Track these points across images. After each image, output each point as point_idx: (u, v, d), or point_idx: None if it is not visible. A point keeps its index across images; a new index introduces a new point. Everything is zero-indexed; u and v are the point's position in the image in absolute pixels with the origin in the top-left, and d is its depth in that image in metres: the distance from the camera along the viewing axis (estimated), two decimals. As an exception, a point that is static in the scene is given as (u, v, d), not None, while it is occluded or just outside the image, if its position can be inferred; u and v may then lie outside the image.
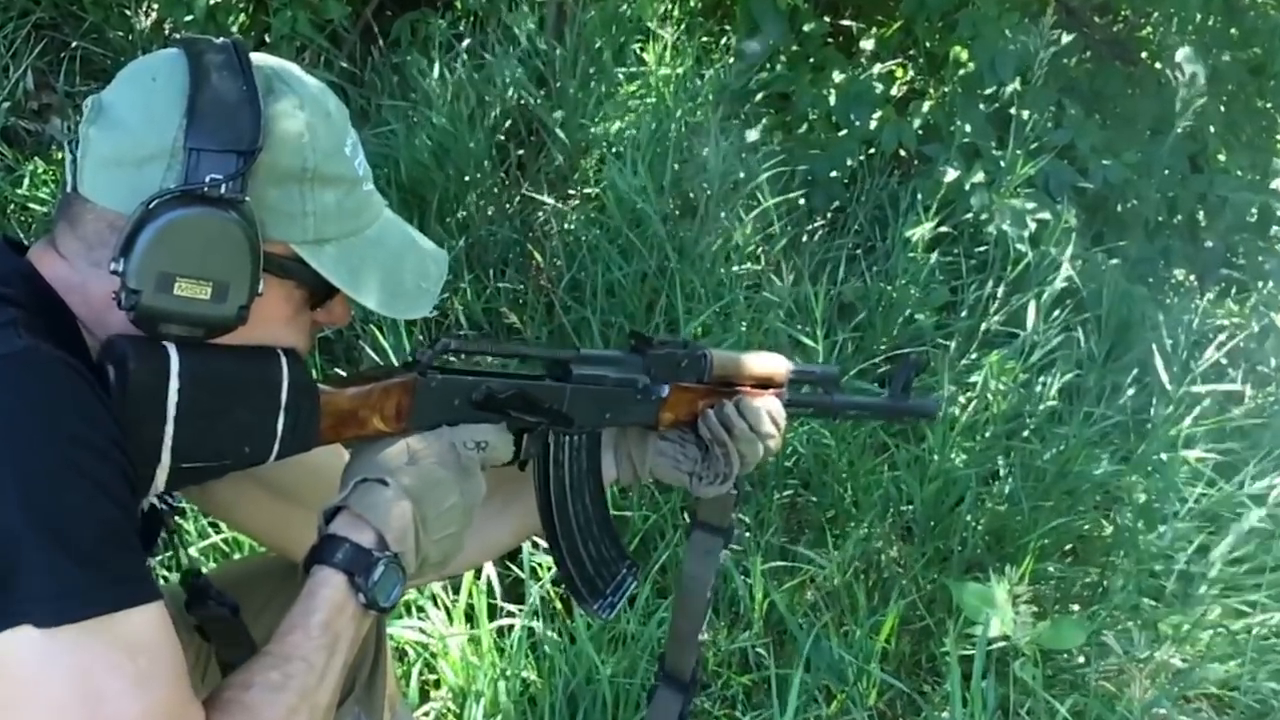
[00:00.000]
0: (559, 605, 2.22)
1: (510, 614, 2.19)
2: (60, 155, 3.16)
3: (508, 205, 3.18)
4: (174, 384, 0.98)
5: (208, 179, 0.97)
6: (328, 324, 1.18)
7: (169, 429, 0.99)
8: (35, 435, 0.88)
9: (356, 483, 1.12)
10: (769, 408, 1.46)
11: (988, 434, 2.66)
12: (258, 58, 1.06)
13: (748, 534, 2.39)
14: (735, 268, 2.88)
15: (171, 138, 0.98)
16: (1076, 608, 2.47)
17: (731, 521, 1.53)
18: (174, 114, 0.99)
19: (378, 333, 2.58)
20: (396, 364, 2.42)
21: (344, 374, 2.38)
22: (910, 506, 2.55)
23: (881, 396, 1.69)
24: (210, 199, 0.97)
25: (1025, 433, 2.72)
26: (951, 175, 3.15)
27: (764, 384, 1.49)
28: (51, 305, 1.00)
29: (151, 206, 0.96)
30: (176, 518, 1.19)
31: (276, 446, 1.07)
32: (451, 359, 1.23)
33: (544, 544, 2.08)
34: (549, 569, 2.18)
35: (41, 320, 0.96)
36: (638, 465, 1.46)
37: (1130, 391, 2.85)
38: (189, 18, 3.32)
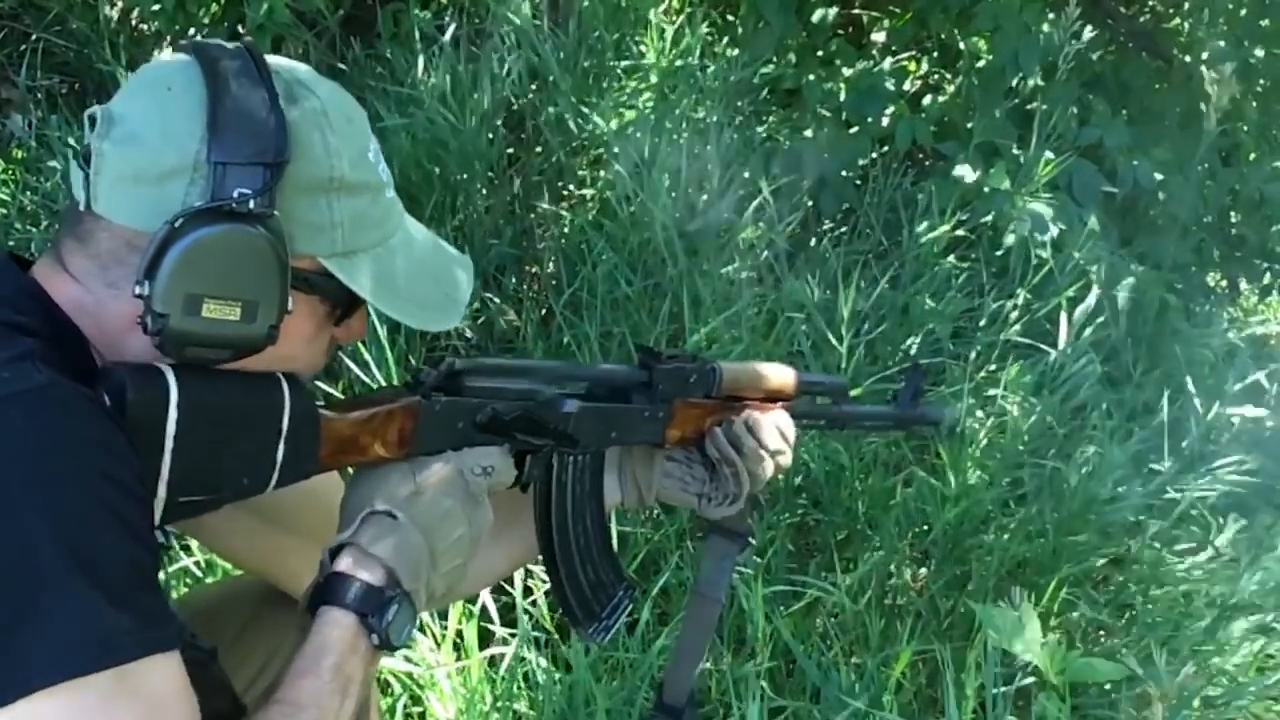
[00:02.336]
0: (553, 631, 2.22)
1: (502, 640, 2.19)
2: (21, 154, 3.17)
3: (506, 199, 3.18)
4: (173, 414, 0.98)
5: (235, 194, 0.97)
6: (346, 340, 1.18)
7: (167, 460, 0.98)
8: (64, 473, 0.88)
9: (364, 516, 1.12)
10: (778, 422, 1.47)
11: (1014, 450, 2.66)
12: (272, 62, 1.06)
13: (755, 557, 2.38)
14: (743, 271, 2.88)
15: (193, 151, 0.98)
16: (1104, 635, 2.48)
17: (749, 527, 1.55)
18: (194, 126, 0.99)
19: (360, 345, 2.58)
20: (384, 382, 2.45)
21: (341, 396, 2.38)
22: (927, 528, 2.55)
23: (890, 406, 1.72)
24: (238, 215, 0.97)
25: (1050, 451, 2.73)
26: (970, 176, 3.15)
27: (773, 397, 1.51)
28: (65, 331, 1.00)
29: (177, 225, 0.96)
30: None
31: (275, 476, 1.07)
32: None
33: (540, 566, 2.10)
34: (545, 586, 2.19)
35: (56, 349, 0.96)
36: (643, 488, 1.47)
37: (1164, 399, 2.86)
38: (157, 7, 3.33)
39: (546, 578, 1.43)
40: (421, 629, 2.17)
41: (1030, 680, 2.15)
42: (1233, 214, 3.74)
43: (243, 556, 1.45)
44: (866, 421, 1.72)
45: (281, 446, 1.06)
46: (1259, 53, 3.64)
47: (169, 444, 0.98)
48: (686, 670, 1.58)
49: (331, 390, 2.53)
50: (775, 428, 1.46)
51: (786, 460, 1.48)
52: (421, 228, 1.19)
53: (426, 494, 1.15)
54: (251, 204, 0.97)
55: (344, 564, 1.09)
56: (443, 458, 1.19)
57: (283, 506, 1.23)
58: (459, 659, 2.14)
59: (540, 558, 1.41)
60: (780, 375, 1.51)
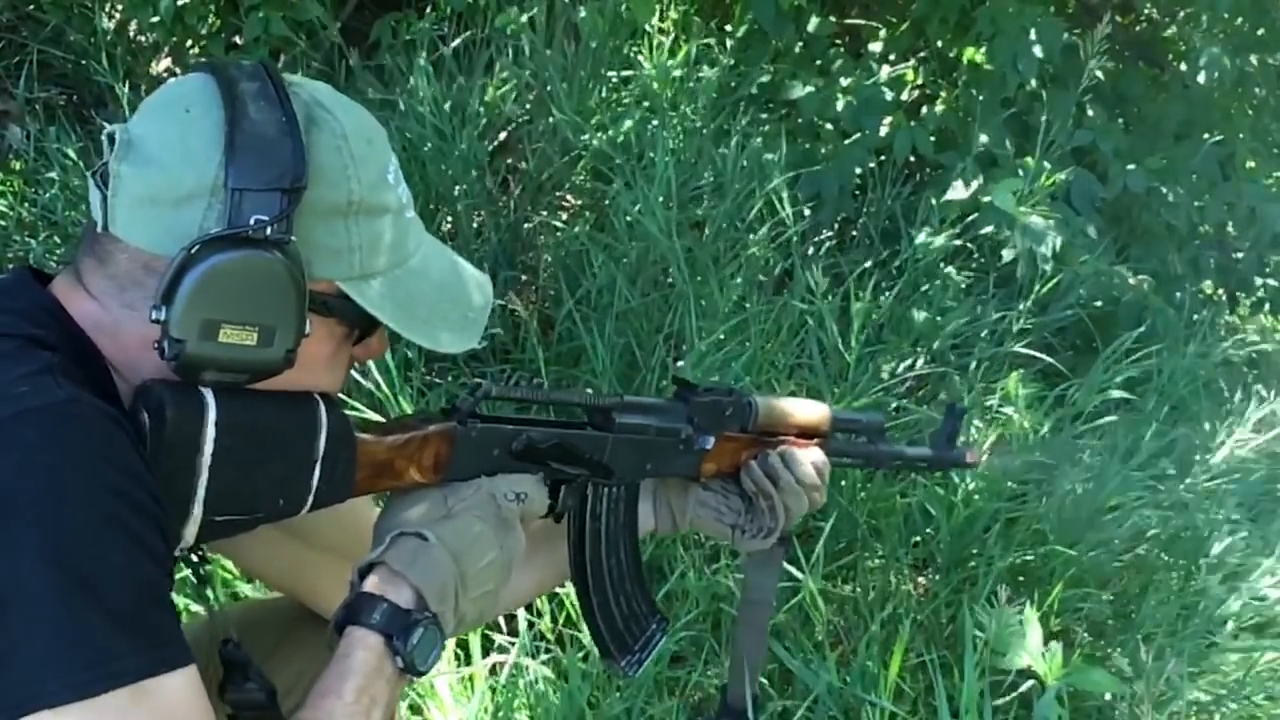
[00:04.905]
0: (553, 641, 2.23)
1: (501, 649, 2.20)
2: (19, 165, 3.18)
3: (502, 209, 3.19)
4: (210, 433, 0.99)
5: (252, 220, 0.97)
6: (366, 358, 1.19)
7: (202, 480, 0.99)
8: (76, 493, 0.88)
9: (394, 537, 1.13)
10: (814, 459, 1.48)
11: (1017, 460, 2.68)
12: (291, 81, 1.06)
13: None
14: (749, 284, 2.89)
15: (211, 176, 0.98)
16: (1103, 641, 2.49)
17: (789, 531, 1.55)
18: (212, 150, 0.99)
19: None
20: (385, 386, 2.46)
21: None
22: (931, 533, 2.57)
23: (925, 447, 1.71)
24: (255, 241, 0.98)
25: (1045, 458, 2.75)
26: (965, 191, 3.15)
27: (807, 433, 1.52)
28: (82, 347, 1.01)
29: (193, 251, 0.96)
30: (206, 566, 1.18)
31: (311, 499, 1.08)
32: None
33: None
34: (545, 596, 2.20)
35: (75, 364, 0.97)
36: (678, 516, 1.48)
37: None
38: (155, 19, 3.35)
39: (579, 607, 1.43)
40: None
41: (1029, 684, 2.17)
42: (1229, 226, 3.76)
43: (271, 574, 1.45)
44: (900, 461, 1.69)
45: (318, 469, 1.07)
46: (1254, 59, 3.67)
47: (205, 462, 0.99)
48: (748, 674, 1.59)
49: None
50: (811, 464, 1.47)
51: (821, 496, 1.48)
52: (442, 247, 1.20)
53: (458, 518, 1.16)
54: (268, 230, 0.98)
55: (372, 584, 1.10)
56: (475, 483, 1.20)
57: (312, 525, 1.23)
58: (459, 667, 2.15)
59: (573, 587, 1.42)
60: (815, 411, 1.52)
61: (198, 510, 1.00)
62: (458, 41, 3.38)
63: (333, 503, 1.11)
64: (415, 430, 1.17)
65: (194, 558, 1.13)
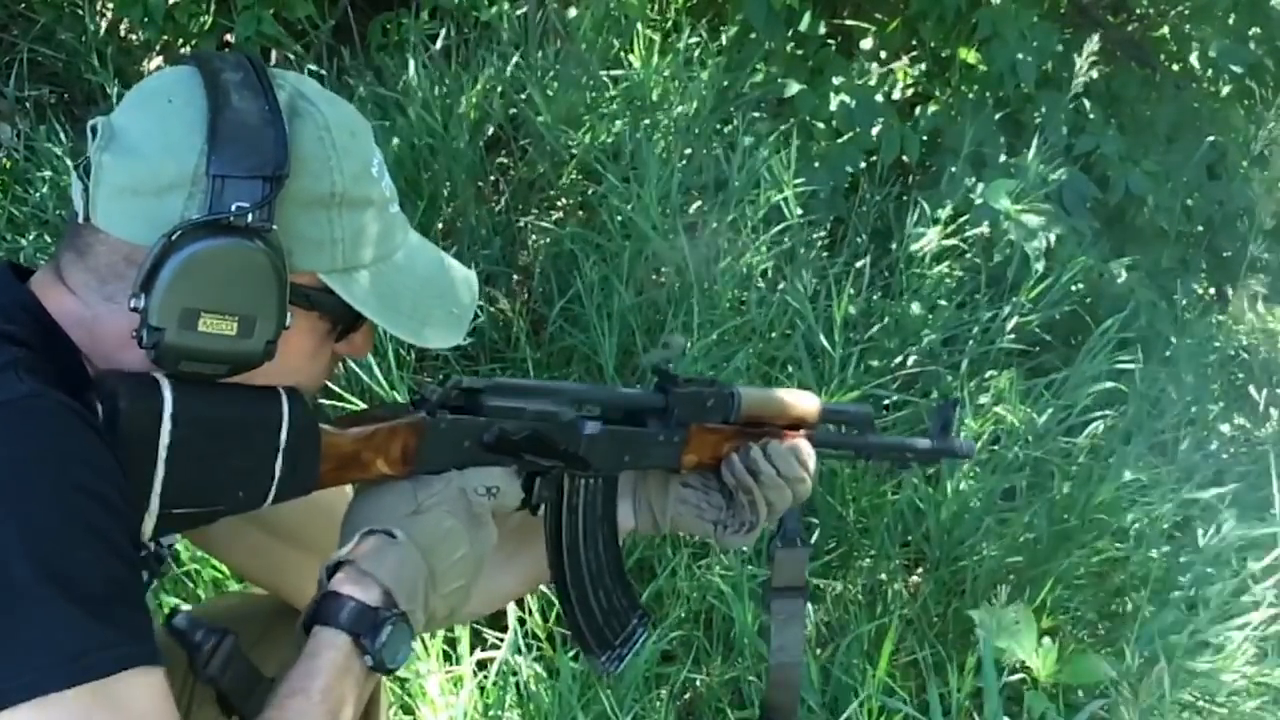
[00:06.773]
0: (543, 639, 2.24)
1: (493, 646, 2.21)
2: (10, 164, 3.18)
3: (494, 208, 3.19)
4: (167, 425, 0.98)
5: (233, 208, 0.97)
6: (349, 355, 1.19)
7: (159, 472, 0.99)
8: (41, 488, 0.88)
9: (361, 534, 1.12)
10: (798, 450, 1.45)
11: (1008, 457, 2.69)
12: (275, 74, 1.06)
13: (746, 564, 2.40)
14: (746, 286, 2.90)
15: (192, 164, 0.99)
16: (1091, 639, 2.51)
17: (806, 579, 1.54)
18: (194, 139, 0.99)
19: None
20: (383, 381, 2.46)
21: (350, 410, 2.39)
22: (923, 529, 2.57)
23: (919, 438, 1.68)
24: (236, 229, 0.98)
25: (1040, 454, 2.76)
26: (956, 194, 3.17)
27: (794, 425, 1.49)
28: (58, 343, 1.00)
29: (174, 238, 0.97)
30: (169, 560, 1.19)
31: (273, 491, 1.07)
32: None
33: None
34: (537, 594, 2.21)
35: (46, 360, 0.96)
36: (658, 514, 1.46)
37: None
38: (146, 19, 3.35)
39: (558, 602, 1.42)
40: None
41: (1018, 678, 2.18)
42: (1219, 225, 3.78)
43: (251, 571, 1.45)
44: (892, 453, 1.64)
45: (279, 461, 1.06)
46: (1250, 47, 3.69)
47: (162, 455, 0.98)
48: (788, 698, 1.57)
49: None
50: (794, 456, 1.44)
51: (806, 489, 1.46)
52: (428, 243, 1.20)
53: (428, 513, 1.15)
54: (249, 218, 0.98)
55: (339, 582, 1.09)
56: (445, 477, 1.18)
57: (290, 521, 1.23)
58: (447, 666, 2.15)
59: (551, 581, 1.41)
60: (802, 403, 1.49)
61: (155, 504, 1.00)
62: (445, 39, 3.37)
63: (296, 495, 1.10)
64: (382, 422, 1.16)
65: (153, 548, 1.11)
